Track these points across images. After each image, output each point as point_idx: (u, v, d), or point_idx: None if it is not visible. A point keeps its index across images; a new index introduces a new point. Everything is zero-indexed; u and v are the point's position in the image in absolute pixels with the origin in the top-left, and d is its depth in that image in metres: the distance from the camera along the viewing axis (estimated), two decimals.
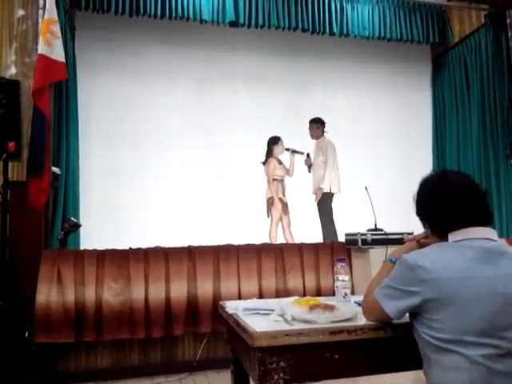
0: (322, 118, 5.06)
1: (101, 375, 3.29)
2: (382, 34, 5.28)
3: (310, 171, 5.07)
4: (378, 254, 3.36)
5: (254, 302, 1.83)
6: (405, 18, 5.37)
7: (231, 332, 1.75)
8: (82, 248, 3.97)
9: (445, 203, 1.33)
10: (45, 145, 3.08)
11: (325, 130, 5.04)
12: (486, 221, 1.32)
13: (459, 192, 1.32)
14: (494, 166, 4.81)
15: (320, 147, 4.98)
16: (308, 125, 5.06)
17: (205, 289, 3.41)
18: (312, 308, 1.49)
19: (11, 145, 2.81)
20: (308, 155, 5.05)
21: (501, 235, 1.36)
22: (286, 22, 4.98)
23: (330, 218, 4.77)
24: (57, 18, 3.26)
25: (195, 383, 3.22)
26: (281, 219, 4.89)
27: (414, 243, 1.51)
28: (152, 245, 3.48)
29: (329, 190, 4.78)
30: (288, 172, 5.01)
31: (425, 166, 5.68)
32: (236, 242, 3.68)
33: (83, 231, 4.23)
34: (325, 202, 4.79)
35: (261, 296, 3.47)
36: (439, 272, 1.21)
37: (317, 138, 5.06)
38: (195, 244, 3.56)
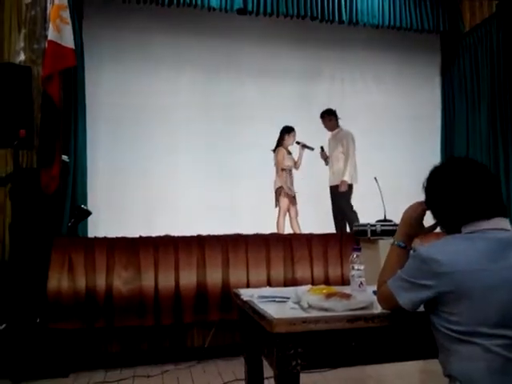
0: (332, 108, 4.99)
1: (110, 362, 3.31)
2: (392, 23, 5.21)
3: (326, 164, 5.02)
4: (387, 245, 3.33)
5: (269, 290, 1.84)
6: (415, 7, 5.29)
7: (245, 319, 1.76)
8: (90, 235, 3.99)
9: (456, 200, 1.29)
10: (55, 132, 3.08)
11: (339, 118, 4.98)
12: (499, 212, 1.29)
13: (471, 185, 1.29)
14: (503, 158, 4.77)
15: (339, 138, 4.91)
16: (320, 119, 5.01)
17: (214, 278, 3.43)
18: (328, 296, 1.49)
19: (22, 132, 2.80)
20: (322, 148, 5.00)
21: None
22: (294, 9, 4.91)
23: (351, 208, 4.75)
24: (67, 4, 3.24)
25: (204, 371, 3.24)
26: (288, 210, 4.90)
27: (419, 211, 1.46)
28: (160, 234, 3.49)
29: (350, 182, 4.76)
30: (295, 164, 5.00)
31: (433, 156, 5.64)
32: (245, 232, 3.69)
33: (91, 219, 4.23)
34: (346, 194, 4.76)
35: (269, 285, 3.48)
36: (452, 265, 1.20)
37: (332, 130, 5.00)
38: (204, 233, 3.58)
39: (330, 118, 4.97)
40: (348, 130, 4.92)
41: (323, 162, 5.10)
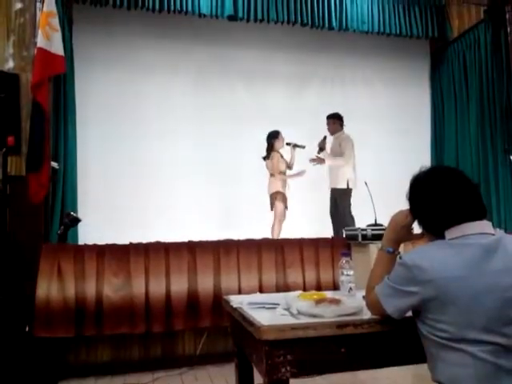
0: (339, 113, 5.03)
1: (101, 370, 3.28)
2: (381, 29, 5.27)
3: (318, 153, 5.01)
4: (378, 250, 3.36)
5: (259, 297, 1.84)
6: (404, 13, 5.36)
7: (236, 326, 1.75)
8: (80, 242, 3.96)
9: (437, 203, 1.31)
10: (44, 139, 3.06)
11: (343, 123, 5.02)
12: (480, 215, 1.30)
13: (450, 189, 1.30)
14: (492, 161, 4.83)
15: (339, 142, 4.95)
16: (326, 120, 5.06)
17: (205, 283, 3.40)
18: (318, 302, 1.49)
19: (10, 139, 2.78)
20: (325, 138, 5.00)
21: None
22: (285, 16, 4.96)
23: (349, 212, 4.77)
24: (56, 11, 3.23)
25: (196, 378, 3.22)
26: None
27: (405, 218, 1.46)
28: (152, 240, 3.47)
29: (346, 187, 4.78)
30: (288, 166, 5.01)
31: (423, 161, 5.63)
32: (236, 237, 3.68)
33: (81, 226, 4.20)
34: (345, 199, 4.78)
35: (261, 290, 3.46)
36: (437, 272, 1.21)
37: (334, 133, 5.04)
38: (195, 239, 3.56)
39: (333, 121, 5.02)
40: (347, 135, 4.95)
41: (318, 166, 5.09)
